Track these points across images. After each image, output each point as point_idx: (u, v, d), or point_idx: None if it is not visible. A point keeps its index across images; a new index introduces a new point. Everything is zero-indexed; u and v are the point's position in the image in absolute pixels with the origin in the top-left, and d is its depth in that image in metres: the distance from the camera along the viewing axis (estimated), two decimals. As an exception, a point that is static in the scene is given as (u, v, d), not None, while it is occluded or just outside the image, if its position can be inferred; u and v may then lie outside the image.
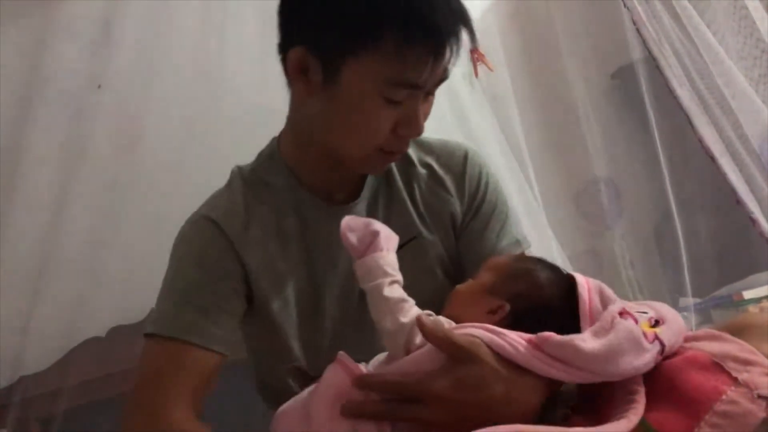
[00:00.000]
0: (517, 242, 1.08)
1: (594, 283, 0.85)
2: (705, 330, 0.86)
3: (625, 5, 1.29)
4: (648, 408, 0.73)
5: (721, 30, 1.21)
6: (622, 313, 0.79)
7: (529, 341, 0.76)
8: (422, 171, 1.06)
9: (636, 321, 0.78)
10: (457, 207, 1.06)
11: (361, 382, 0.79)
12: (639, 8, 1.27)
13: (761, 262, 1.66)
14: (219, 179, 1.67)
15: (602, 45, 2.00)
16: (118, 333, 1.64)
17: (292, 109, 1.00)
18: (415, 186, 1.05)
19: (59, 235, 1.57)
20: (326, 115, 0.91)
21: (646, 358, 0.75)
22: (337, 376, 0.82)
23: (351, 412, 0.77)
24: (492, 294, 0.86)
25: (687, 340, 0.83)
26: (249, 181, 1.01)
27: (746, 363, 0.74)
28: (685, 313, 1.80)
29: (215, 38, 1.69)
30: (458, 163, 1.08)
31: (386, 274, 0.84)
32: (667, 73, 1.21)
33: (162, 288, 0.97)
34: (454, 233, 1.07)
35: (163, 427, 0.84)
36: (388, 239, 0.87)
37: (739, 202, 1.17)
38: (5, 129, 1.55)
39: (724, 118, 1.20)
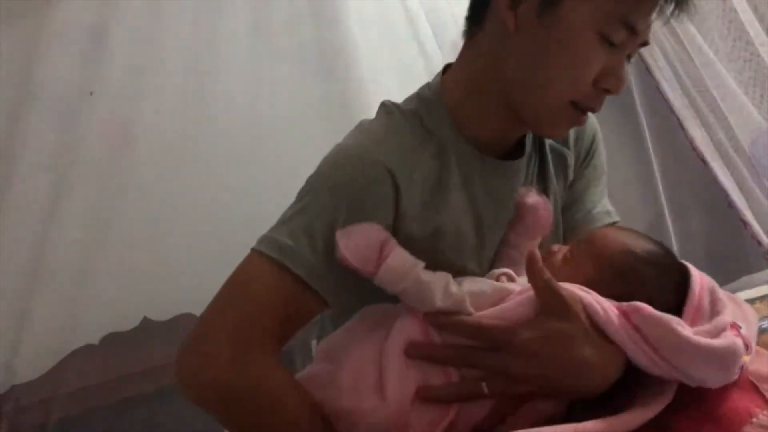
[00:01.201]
0: (608, 213, 1.05)
1: (708, 281, 0.80)
2: None
3: (615, 9, 1.29)
4: (675, 413, 0.72)
5: (711, 33, 1.22)
6: (733, 327, 0.75)
7: (619, 309, 0.74)
8: None
9: (747, 345, 0.74)
10: (571, 161, 1.02)
11: (436, 320, 0.76)
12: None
13: (753, 263, 1.67)
14: (211, 185, 1.68)
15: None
16: (111, 340, 1.64)
17: (472, 52, 0.92)
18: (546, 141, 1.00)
19: (52, 241, 1.57)
20: (528, 56, 0.84)
21: (722, 381, 0.73)
22: (409, 322, 0.78)
23: (417, 354, 0.75)
24: (591, 286, 0.78)
25: None
26: (411, 122, 0.91)
27: None
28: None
29: (207, 44, 1.69)
30: None
31: (415, 263, 0.77)
32: (658, 75, 1.22)
33: (301, 212, 0.84)
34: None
35: (263, 353, 0.78)
36: (387, 230, 0.79)
37: (730, 204, 1.17)
38: (-2, 135, 1.55)
39: (714, 120, 1.20)
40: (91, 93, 1.61)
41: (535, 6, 0.82)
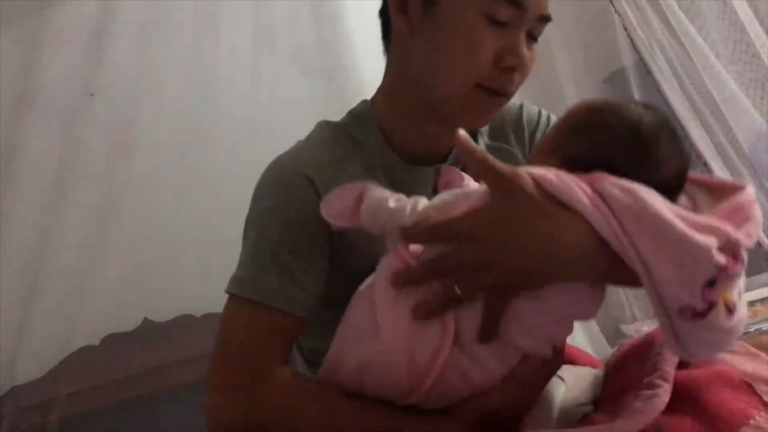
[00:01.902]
0: None
1: (759, 211, 0.72)
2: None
3: (615, 11, 1.30)
4: (669, 416, 0.70)
5: (711, 35, 1.22)
6: (735, 257, 0.67)
7: (582, 179, 0.69)
8: (484, 128, 1.03)
9: (734, 274, 0.66)
10: (517, 154, 1.03)
11: (404, 234, 0.76)
12: (630, 14, 1.28)
13: (755, 264, 1.67)
14: (213, 185, 1.68)
15: (594, 50, 2.00)
16: (112, 341, 1.64)
17: (389, 63, 0.97)
18: (481, 143, 1.01)
19: (52, 242, 1.57)
20: (426, 52, 0.88)
21: (679, 289, 0.65)
22: (389, 259, 0.79)
23: (399, 281, 0.75)
24: (553, 155, 0.75)
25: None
26: (338, 136, 0.96)
27: None
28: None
29: (209, 45, 1.69)
30: (515, 112, 1.05)
31: (386, 197, 0.79)
32: (658, 77, 1.22)
33: (246, 244, 0.91)
34: None
35: (268, 379, 0.81)
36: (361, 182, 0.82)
37: (731, 205, 1.17)
38: (-2, 137, 1.56)
39: (715, 122, 1.20)
40: (91, 94, 1.61)
41: (420, 5, 0.87)
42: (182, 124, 1.68)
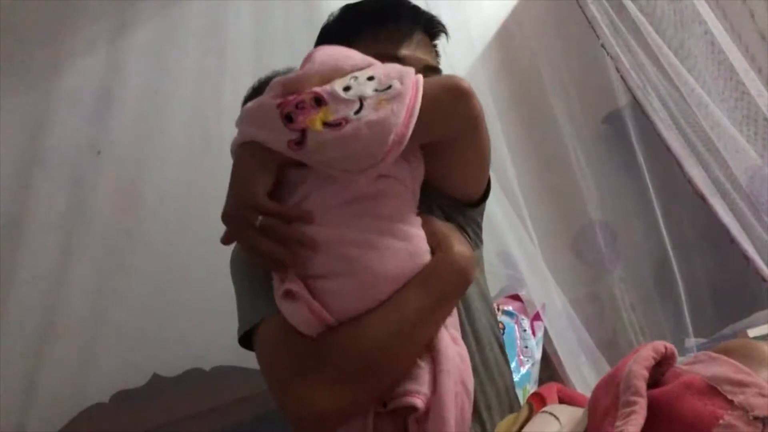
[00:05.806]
0: None
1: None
2: (703, 352, 0.83)
3: (608, 54, 1.33)
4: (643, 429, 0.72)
5: (702, 75, 1.24)
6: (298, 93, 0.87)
7: None
8: None
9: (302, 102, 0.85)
10: None
11: None
12: (622, 57, 1.31)
13: (761, 299, 1.66)
14: (218, 241, 1.69)
15: (591, 92, 2.04)
16: (121, 398, 1.63)
17: None
18: None
19: (60, 300, 1.58)
20: None
21: (277, 138, 0.86)
22: None
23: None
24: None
25: (685, 364, 0.81)
26: None
27: (741, 384, 0.73)
28: (690, 354, 1.80)
29: (213, 102, 1.73)
30: None
31: None
32: (654, 117, 1.24)
33: (237, 300, 1.03)
34: None
35: (319, 342, 0.86)
36: None
37: (732, 241, 1.18)
38: (7, 196, 1.58)
39: (711, 158, 1.22)
40: (99, 152, 1.64)
41: None
42: (188, 179, 1.70)
